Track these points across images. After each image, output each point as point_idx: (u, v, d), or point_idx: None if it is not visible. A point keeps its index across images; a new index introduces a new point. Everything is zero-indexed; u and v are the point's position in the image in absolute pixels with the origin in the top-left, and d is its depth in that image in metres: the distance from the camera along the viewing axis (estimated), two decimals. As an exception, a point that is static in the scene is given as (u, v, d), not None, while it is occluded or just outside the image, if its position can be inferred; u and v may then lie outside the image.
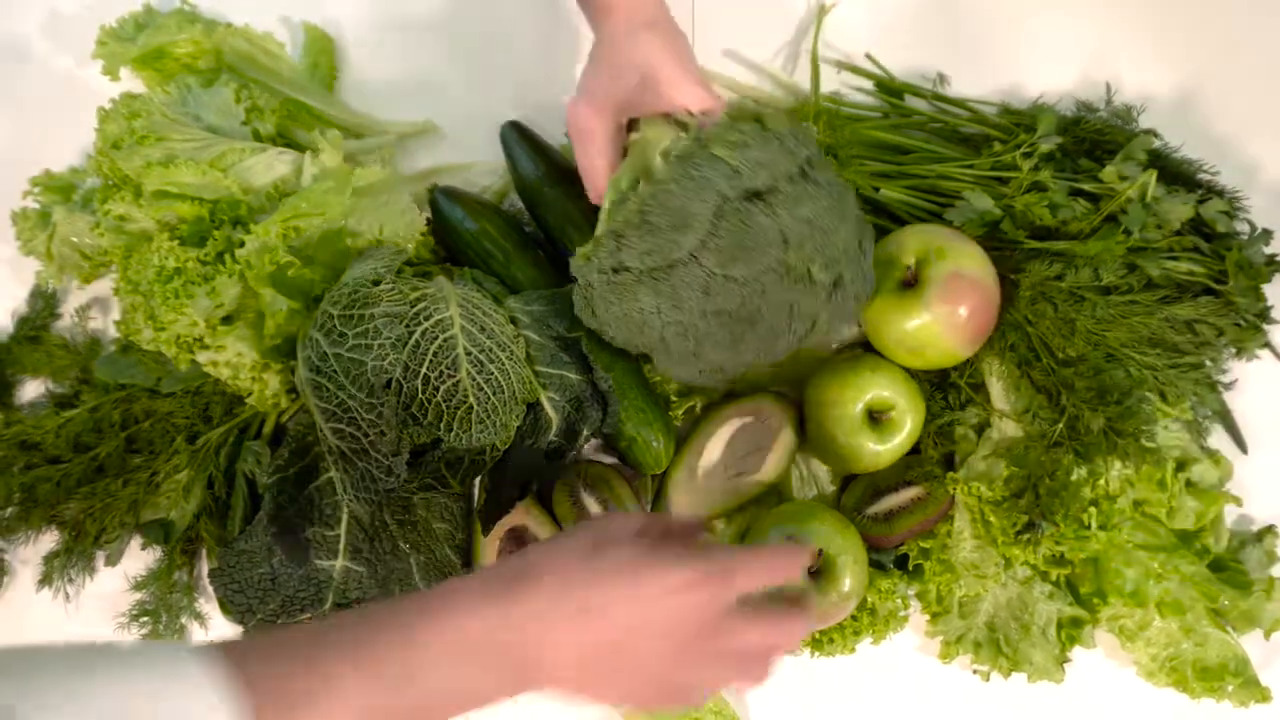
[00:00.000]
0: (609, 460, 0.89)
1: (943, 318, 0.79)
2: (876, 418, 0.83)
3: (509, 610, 0.58)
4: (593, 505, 0.85)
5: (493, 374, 0.77)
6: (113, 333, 0.93)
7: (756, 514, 0.87)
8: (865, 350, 0.87)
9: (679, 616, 0.59)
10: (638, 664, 0.60)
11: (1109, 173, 0.80)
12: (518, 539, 0.85)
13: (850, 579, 0.80)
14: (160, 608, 0.87)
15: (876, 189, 0.86)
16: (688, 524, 0.68)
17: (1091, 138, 0.86)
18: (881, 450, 0.83)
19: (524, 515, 0.86)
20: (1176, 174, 0.85)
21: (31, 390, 0.93)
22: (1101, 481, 0.79)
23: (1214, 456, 0.85)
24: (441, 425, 0.76)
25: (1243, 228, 0.84)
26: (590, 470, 0.85)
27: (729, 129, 0.71)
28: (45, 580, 0.88)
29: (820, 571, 0.80)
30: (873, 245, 0.77)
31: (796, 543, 0.80)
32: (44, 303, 0.94)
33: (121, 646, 0.60)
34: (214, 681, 0.51)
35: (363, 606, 0.66)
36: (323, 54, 0.97)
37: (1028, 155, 0.82)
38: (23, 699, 0.47)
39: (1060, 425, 0.79)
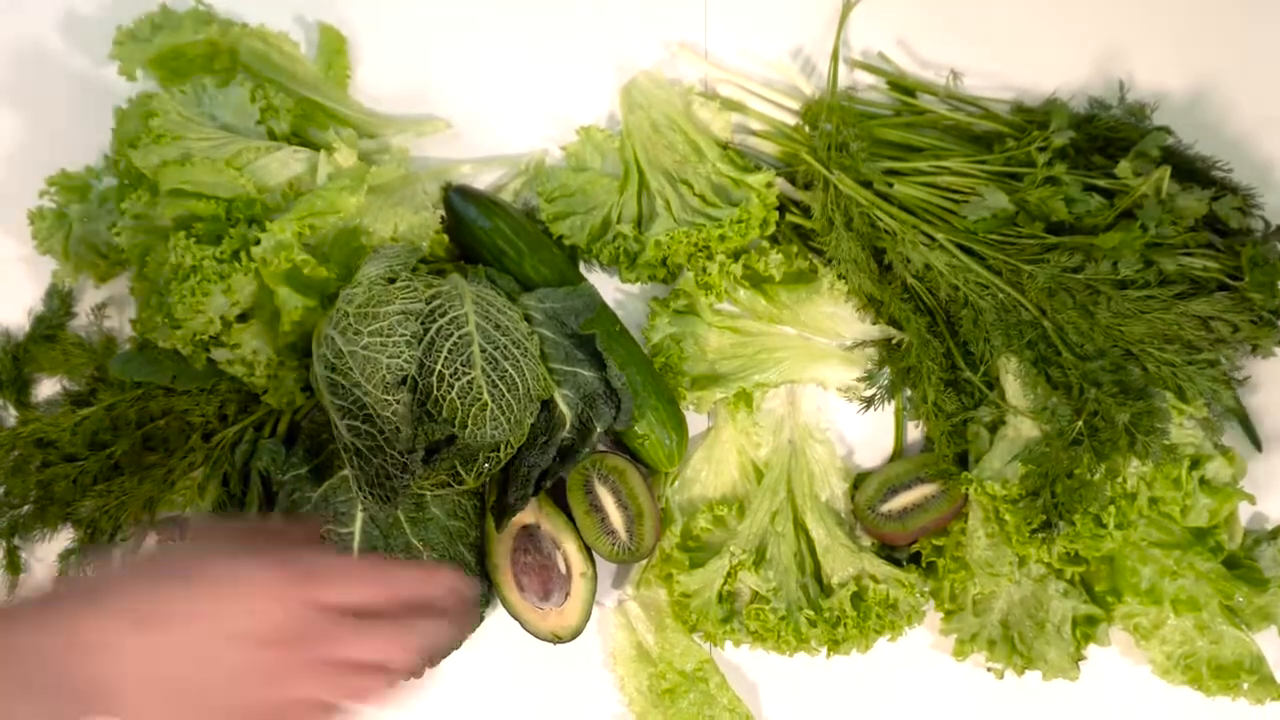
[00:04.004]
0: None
1: None
2: None
3: (60, 627, 0.51)
4: (606, 496, 0.85)
5: (507, 371, 0.77)
6: (128, 331, 0.93)
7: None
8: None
9: (257, 621, 0.53)
10: (215, 679, 0.53)
11: (1124, 168, 0.80)
12: (530, 536, 0.86)
13: None
14: (175, 605, 0.87)
15: (890, 184, 0.86)
16: (303, 529, 0.63)
17: (1104, 135, 0.85)
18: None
19: (536, 512, 0.86)
20: (1190, 171, 0.84)
21: (48, 389, 0.93)
22: (1120, 479, 0.79)
23: (1228, 454, 0.84)
24: (456, 422, 0.76)
25: (1257, 225, 0.84)
26: (605, 461, 0.86)
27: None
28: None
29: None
30: None
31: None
32: (60, 302, 0.94)
33: None
34: None
35: None
36: (337, 53, 0.97)
37: (1042, 149, 0.82)
38: None
39: (1080, 423, 0.79)
